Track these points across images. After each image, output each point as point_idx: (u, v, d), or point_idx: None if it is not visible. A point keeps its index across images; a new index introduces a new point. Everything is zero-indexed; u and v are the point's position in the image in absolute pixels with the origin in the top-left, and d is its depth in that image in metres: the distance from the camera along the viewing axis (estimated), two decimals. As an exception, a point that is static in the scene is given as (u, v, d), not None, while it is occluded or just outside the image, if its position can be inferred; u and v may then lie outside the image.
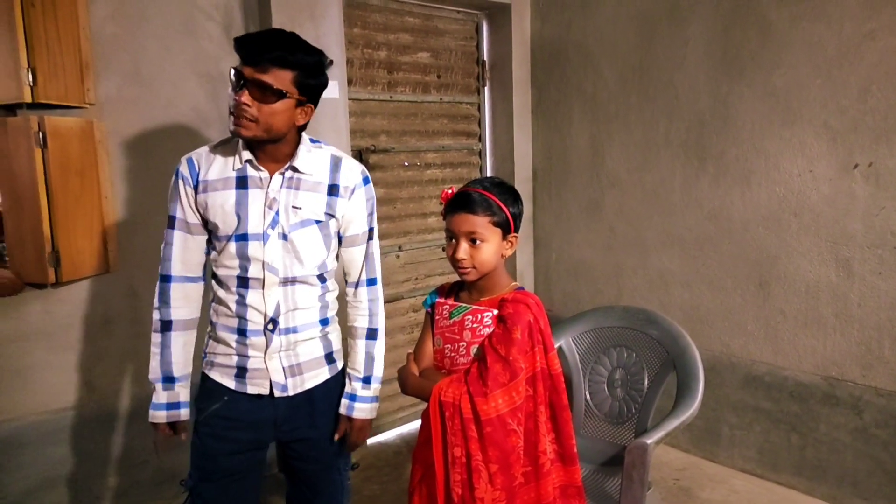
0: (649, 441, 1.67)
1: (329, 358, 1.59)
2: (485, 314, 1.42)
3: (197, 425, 1.53)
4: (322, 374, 1.57)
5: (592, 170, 3.18)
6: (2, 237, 2.18)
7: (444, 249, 3.37)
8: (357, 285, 1.63)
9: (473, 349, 1.42)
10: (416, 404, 3.28)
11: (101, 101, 2.26)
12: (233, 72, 1.36)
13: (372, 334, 1.63)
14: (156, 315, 1.51)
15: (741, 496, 2.56)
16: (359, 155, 2.97)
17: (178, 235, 1.49)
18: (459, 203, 1.41)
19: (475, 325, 1.42)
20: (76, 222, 2.13)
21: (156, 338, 1.51)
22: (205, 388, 1.54)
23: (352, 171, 1.54)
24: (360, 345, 1.62)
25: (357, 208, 1.55)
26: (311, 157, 1.49)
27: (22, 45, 1.96)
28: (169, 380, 1.50)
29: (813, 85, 2.38)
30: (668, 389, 1.97)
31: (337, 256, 1.62)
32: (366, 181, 1.57)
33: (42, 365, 2.23)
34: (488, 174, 3.52)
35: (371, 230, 1.61)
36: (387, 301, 3.17)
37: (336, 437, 1.61)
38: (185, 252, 1.50)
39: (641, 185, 2.97)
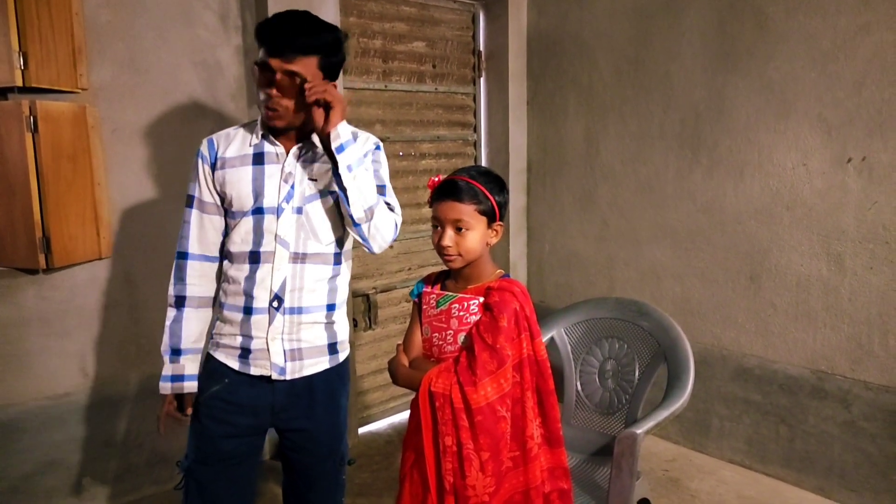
0: (639, 431, 1.68)
1: (332, 348, 1.57)
2: (471, 302, 1.43)
3: (197, 405, 1.53)
4: (322, 363, 1.55)
5: (587, 161, 3.18)
6: None
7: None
8: None
9: (461, 337, 1.44)
10: (407, 394, 3.28)
11: (96, 87, 2.25)
12: (259, 63, 1.37)
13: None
14: (171, 290, 1.52)
15: (729, 487, 2.58)
16: (353, 144, 2.96)
17: (195, 214, 1.51)
18: (446, 191, 1.42)
19: (462, 314, 1.44)
20: (68, 208, 2.12)
21: (170, 312, 1.52)
22: (207, 369, 1.55)
23: (365, 141, 1.55)
24: None
25: (368, 169, 1.50)
26: None
27: (14, 29, 1.95)
28: (176, 352, 1.51)
29: (808, 78, 2.38)
30: (659, 381, 1.98)
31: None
32: (378, 147, 1.57)
33: (39, 350, 2.23)
34: (483, 164, 3.51)
35: (383, 186, 1.54)
36: (380, 291, 3.17)
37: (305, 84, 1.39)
38: (201, 230, 1.51)
39: (635, 176, 2.98)
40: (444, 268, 1.51)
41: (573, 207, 3.28)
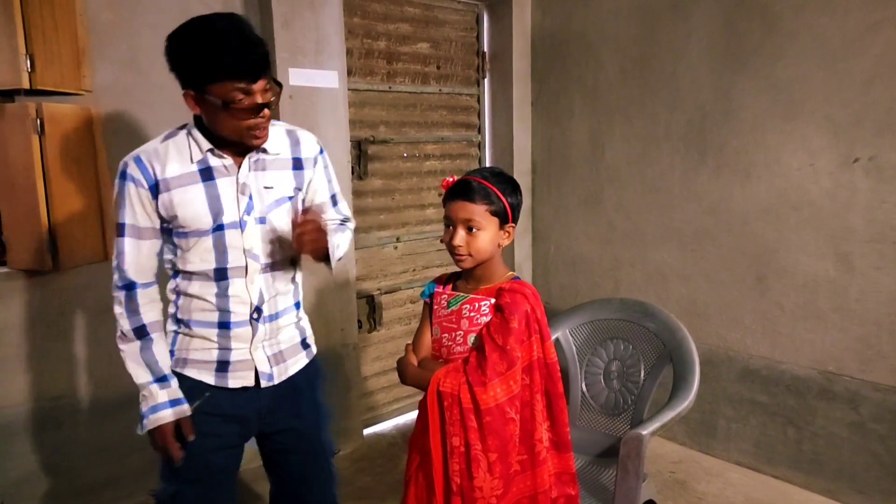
0: (644, 432, 1.67)
1: (304, 343, 1.60)
2: (482, 303, 1.43)
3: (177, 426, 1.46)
4: (301, 360, 1.58)
5: (592, 163, 3.17)
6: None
7: (442, 241, 3.37)
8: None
9: (471, 338, 1.43)
10: (411, 395, 3.28)
11: (98, 88, 2.25)
12: (240, 93, 1.30)
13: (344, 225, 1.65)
14: (125, 325, 1.42)
15: (737, 489, 2.56)
16: (357, 146, 2.96)
17: (130, 243, 1.41)
18: (458, 191, 1.43)
19: (472, 314, 1.44)
20: (73, 209, 2.13)
21: (132, 346, 1.42)
22: (181, 388, 1.47)
23: (309, 141, 1.55)
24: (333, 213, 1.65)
25: (320, 176, 1.56)
26: (272, 136, 1.46)
27: (20, 32, 1.95)
28: (162, 379, 1.43)
29: (816, 77, 2.36)
30: (665, 382, 1.97)
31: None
32: (321, 150, 1.57)
33: (39, 353, 2.23)
34: (487, 166, 3.50)
35: (335, 195, 1.62)
36: (384, 292, 3.17)
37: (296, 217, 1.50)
38: (139, 258, 1.42)
39: (641, 178, 2.96)
40: (456, 269, 1.51)
41: (578, 209, 3.27)
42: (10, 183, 2.06)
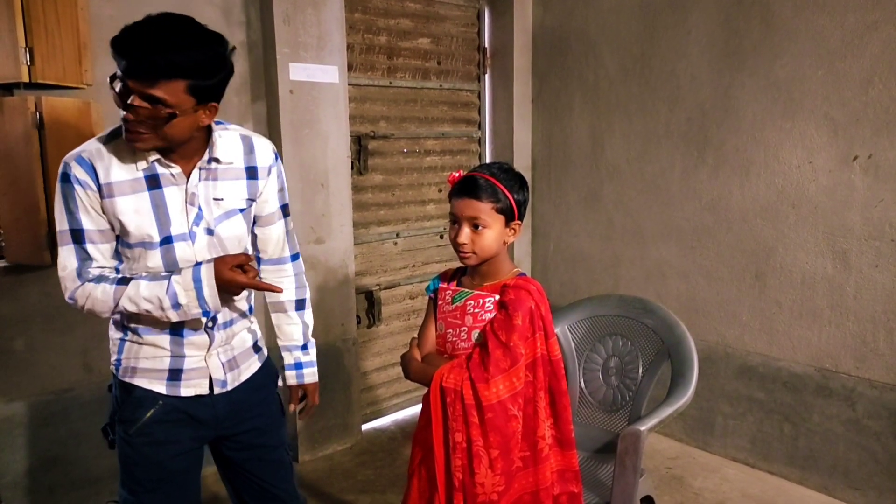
0: (642, 428, 1.68)
1: (256, 347, 1.57)
2: (486, 299, 1.43)
3: (129, 437, 1.41)
4: (254, 364, 1.55)
5: (592, 160, 3.18)
6: None
7: (442, 237, 3.37)
8: (281, 262, 1.59)
9: (475, 334, 1.43)
10: (411, 391, 3.30)
11: (99, 83, 2.25)
12: (118, 83, 1.19)
13: (302, 304, 1.64)
14: (108, 298, 1.29)
15: (733, 485, 2.58)
16: (358, 141, 2.96)
17: (93, 249, 1.31)
18: (465, 188, 1.40)
19: (477, 311, 1.43)
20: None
21: (130, 289, 1.29)
22: (131, 398, 1.40)
23: (264, 149, 1.47)
24: (294, 316, 1.63)
25: (272, 186, 1.49)
26: (225, 143, 1.39)
27: (20, 25, 1.94)
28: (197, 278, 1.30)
29: (815, 76, 2.37)
30: (663, 379, 1.98)
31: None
32: (276, 157, 1.50)
33: (41, 346, 2.24)
34: (488, 162, 3.51)
35: (286, 206, 1.56)
36: (384, 287, 3.18)
37: (291, 408, 1.65)
38: (101, 258, 1.33)
39: (641, 175, 2.97)
40: (460, 264, 1.51)
41: (578, 206, 3.28)
42: (10, 177, 2.06)
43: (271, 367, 1.63)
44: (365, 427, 3.09)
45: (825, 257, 2.42)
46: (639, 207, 3.00)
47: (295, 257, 1.62)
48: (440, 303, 1.52)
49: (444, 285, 1.53)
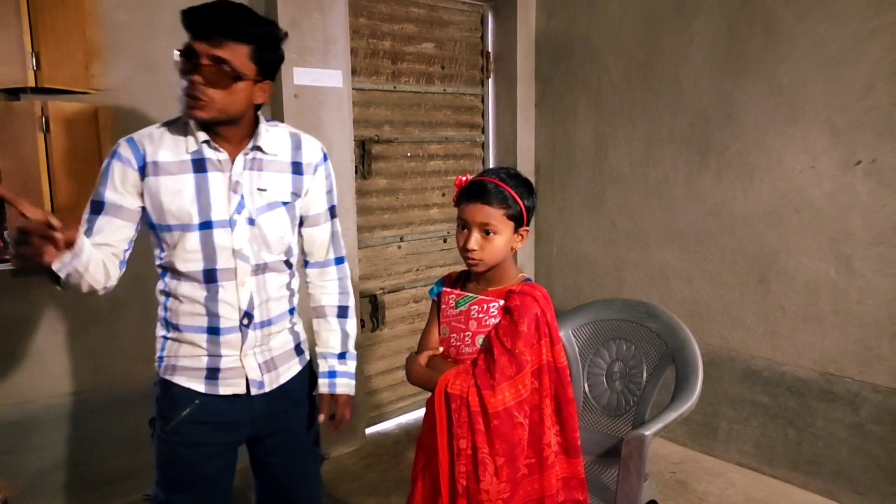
0: (647, 432, 1.68)
1: (298, 349, 1.55)
2: (491, 304, 1.41)
3: (165, 435, 1.42)
4: (294, 367, 1.53)
5: (595, 164, 3.19)
6: (4, 223, 2.19)
7: (445, 241, 3.38)
8: (325, 265, 1.59)
9: (479, 339, 1.42)
10: (415, 394, 3.30)
11: (113, 87, 2.27)
12: (181, 50, 1.25)
13: (344, 312, 1.60)
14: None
15: (737, 489, 2.58)
16: (362, 145, 2.97)
17: (104, 220, 1.32)
18: (475, 192, 1.38)
19: (481, 315, 1.42)
20: (79, 208, 2.12)
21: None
22: (170, 395, 1.42)
23: (313, 147, 1.48)
24: (334, 322, 1.59)
25: (319, 186, 1.50)
26: (272, 136, 1.42)
27: (26, 30, 1.95)
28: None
29: (817, 81, 2.38)
30: (667, 384, 1.98)
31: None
32: (325, 157, 1.51)
33: (52, 349, 2.25)
34: (491, 166, 3.52)
35: (333, 207, 1.56)
36: (388, 291, 3.18)
37: (321, 417, 1.57)
38: (110, 237, 1.33)
39: (644, 179, 2.98)
40: (463, 268, 1.50)
41: (582, 210, 3.28)
42: (17, 181, 2.07)
43: (312, 372, 1.61)
44: (369, 431, 3.09)
45: (828, 262, 2.42)
46: (642, 212, 3.01)
47: (340, 261, 1.60)
48: (444, 306, 1.50)
49: (448, 289, 1.52)
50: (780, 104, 2.49)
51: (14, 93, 2.08)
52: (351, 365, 1.61)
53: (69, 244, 1.13)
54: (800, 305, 2.52)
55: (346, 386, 1.59)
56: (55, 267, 1.17)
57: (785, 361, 2.58)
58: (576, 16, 3.19)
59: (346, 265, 1.62)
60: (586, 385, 2.17)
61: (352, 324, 1.62)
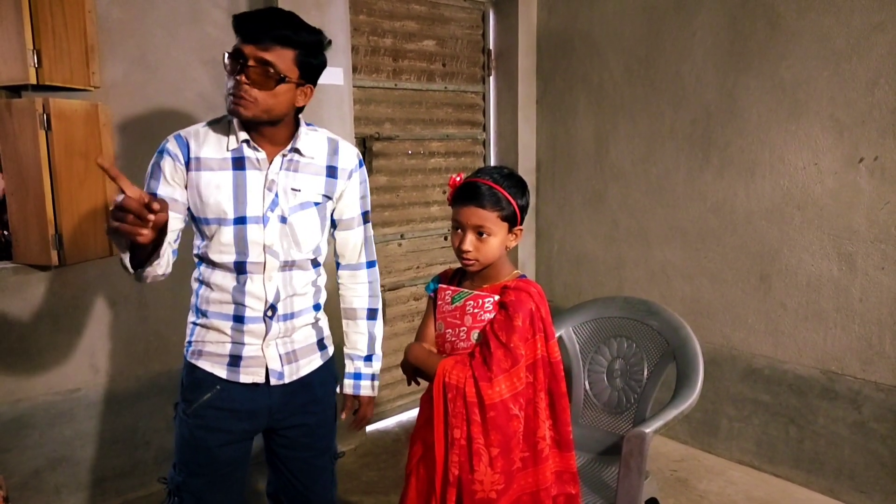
0: (647, 430, 1.68)
1: (321, 344, 1.59)
2: (486, 300, 1.43)
3: (186, 418, 1.48)
4: (315, 361, 1.57)
5: (596, 161, 3.18)
6: (6, 220, 2.19)
7: (446, 238, 3.37)
8: (356, 268, 1.64)
9: (474, 334, 1.44)
10: (414, 392, 3.29)
11: (108, 85, 2.27)
12: (231, 51, 1.32)
13: (373, 314, 1.66)
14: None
15: (738, 488, 2.57)
16: (362, 142, 2.97)
17: None
18: (468, 195, 1.40)
19: (476, 311, 1.44)
20: (80, 205, 2.14)
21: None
22: (193, 379, 1.48)
23: (349, 153, 1.54)
24: (362, 325, 1.66)
25: (353, 191, 1.56)
26: (311, 140, 1.48)
27: (28, 27, 1.96)
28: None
29: (820, 77, 2.37)
30: (668, 381, 1.98)
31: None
32: (360, 164, 1.57)
33: (49, 346, 2.25)
34: (493, 164, 3.51)
35: (367, 213, 1.62)
36: (388, 289, 3.18)
37: (343, 416, 1.65)
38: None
39: (645, 176, 2.97)
40: (459, 265, 1.51)
41: (582, 207, 3.27)
42: (18, 178, 2.08)
43: (333, 368, 1.64)
44: (369, 428, 3.09)
45: (831, 260, 2.41)
46: (643, 209, 3.00)
47: (371, 264, 1.66)
48: (440, 302, 1.52)
49: (444, 285, 1.54)
50: (783, 100, 2.47)
51: (15, 90, 2.09)
52: (376, 366, 1.69)
53: (162, 227, 1.19)
54: (801, 303, 2.51)
55: (369, 388, 1.67)
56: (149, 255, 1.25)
57: (786, 359, 2.57)
58: (577, 12, 3.17)
59: (376, 269, 1.68)
60: (587, 382, 2.16)
61: (379, 326, 1.68)
